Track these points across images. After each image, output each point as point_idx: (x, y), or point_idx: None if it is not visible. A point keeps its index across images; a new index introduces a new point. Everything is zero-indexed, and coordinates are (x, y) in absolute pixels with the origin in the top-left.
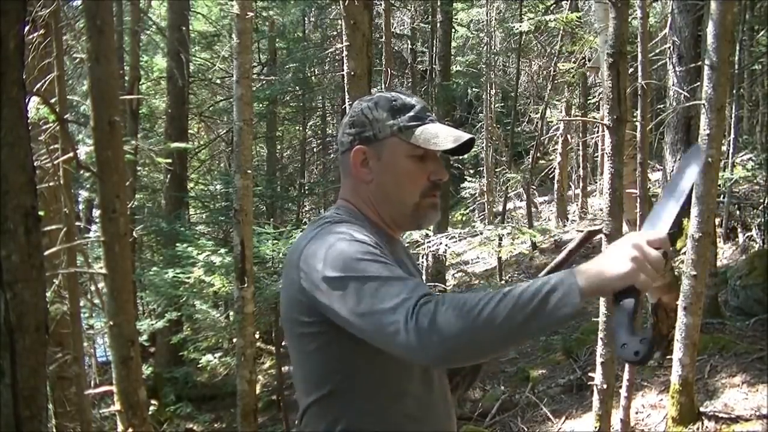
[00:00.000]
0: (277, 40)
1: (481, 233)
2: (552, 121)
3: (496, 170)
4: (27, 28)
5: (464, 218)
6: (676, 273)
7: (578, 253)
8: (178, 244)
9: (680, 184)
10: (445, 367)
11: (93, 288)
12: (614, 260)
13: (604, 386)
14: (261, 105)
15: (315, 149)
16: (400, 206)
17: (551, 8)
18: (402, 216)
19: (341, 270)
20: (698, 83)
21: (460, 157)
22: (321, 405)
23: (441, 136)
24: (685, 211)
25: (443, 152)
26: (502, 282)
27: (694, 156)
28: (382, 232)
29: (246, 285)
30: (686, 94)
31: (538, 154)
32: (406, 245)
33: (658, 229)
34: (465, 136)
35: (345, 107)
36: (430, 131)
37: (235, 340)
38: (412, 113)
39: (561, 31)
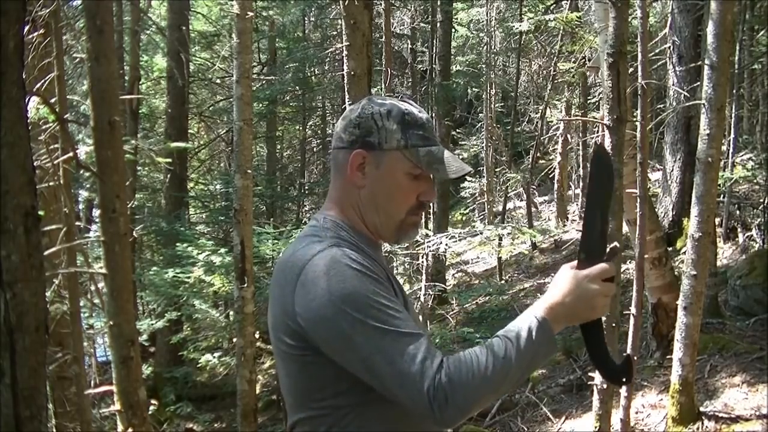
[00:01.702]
0: (277, 40)
1: (481, 233)
2: (552, 121)
3: (496, 170)
4: (27, 28)
5: (464, 218)
6: (676, 273)
7: None
8: (178, 244)
9: (594, 195)
10: (449, 428)
11: (93, 288)
12: (581, 303)
13: (604, 386)
14: (261, 105)
15: (315, 149)
16: (386, 219)
17: (551, 8)
18: (386, 228)
19: (352, 313)
20: (698, 83)
21: (461, 157)
22: (308, 422)
23: (444, 164)
24: (606, 221)
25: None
26: (503, 282)
27: (600, 164)
28: (368, 239)
29: (246, 285)
30: (686, 93)
31: (538, 154)
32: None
33: (597, 256)
34: (466, 168)
35: (345, 107)
36: (435, 155)
37: (235, 340)
38: (421, 132)
39: (561, 31)
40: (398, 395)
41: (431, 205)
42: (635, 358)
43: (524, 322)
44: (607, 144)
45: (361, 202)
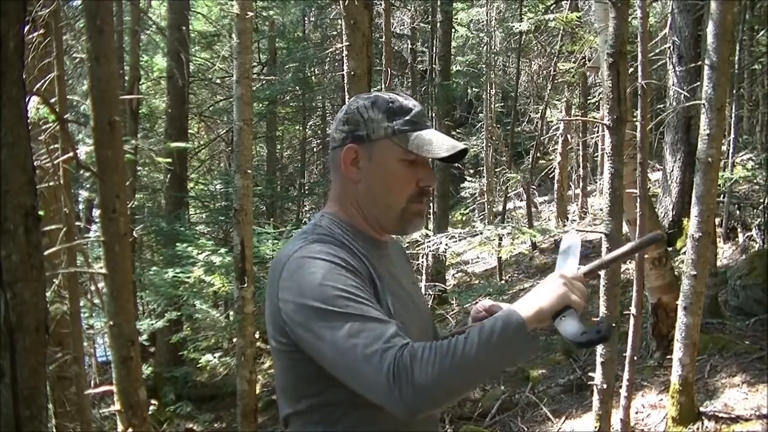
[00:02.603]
0: (277, 40)
1: (481, 233)
2: (552, 121)
3: (496, 170)
4: (27, 28)
5: (464, 218)
6: (676, 273)
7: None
8: (178, 244)
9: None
10: (419, 416)
11: (93, 288)
12: (546, 291)
13: (604, 386)
14: (261, 105)
15: (315, 149)
16: (387, 210)
17: (551, 8)
18: (388, 220)
19: (323, 300)
20: (698, 83)
21: None
22: (299, 418)
23: (435, 143)
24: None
25: (442, 160)
26: (503, 282)
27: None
28: (368, 238)
29: (246, 285)
30: (686, 94)
31: (538, 154)
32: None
33: (570, 268)
34: (459, 145)
35: None
36: (424, 137)
37: (235, 340)
38: (408, 117)
39: (561, 31)
40: (360, 380)
41: (431, 205)
42: (635, 358)
43: (493, 318)
44: (607, 144)
45: (360, 197)
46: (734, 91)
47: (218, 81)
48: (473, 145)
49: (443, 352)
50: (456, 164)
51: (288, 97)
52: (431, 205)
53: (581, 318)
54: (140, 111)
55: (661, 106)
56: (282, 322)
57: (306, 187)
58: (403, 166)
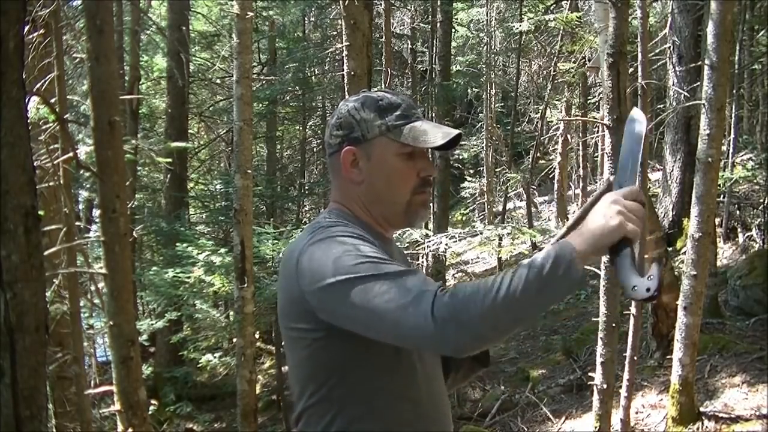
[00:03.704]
0: (277, 40)
1: (481, 233)
2: (552, 121)
3: (496, 170)
4: (27, 28)
5: (464, 218)
6: (676, 273)
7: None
8: (178, 244)
9: (631, 139)
10: (467, 354)
11: (93, 288)
12: (601, 220)
13: (604, 386)
14: (261, 105)
15: (315, 149)
16: (392, 205)
17: (551, 8)
18: (394, 215)
19: (348, 271)
20: (698, 83)
21: (460, 157)
22: (316, 408)
23: (429, 133)
24: (640, 161)
25: (433, 149)
26: None
27: (633, 121)
28: (376, 233)
29: (246, 285)
30: (686, 94)
31: (538, 154)
32: (405, 245)
33: (628, 184)
34: (452, 132)
35: None
36: (418, 128)
37: (235, 340)
38: (399, 112)
39: (561, 31)
40: (403, 330)
41: (431, 205)
42: (635, 358)
43: (543, 251)
44: (607, 144)
45: (364, 197)
46: (734, 91)
47: (218, 81)
48: (473, 145)
49: (487, 288)
50: (456, 164)
51: (288, 97)
52: (431, 205)
53: (635, 260)
54: (140, 111)
55: (661, 106)
56: (306, 305)
57: (306, 187)
58: (402, 159)
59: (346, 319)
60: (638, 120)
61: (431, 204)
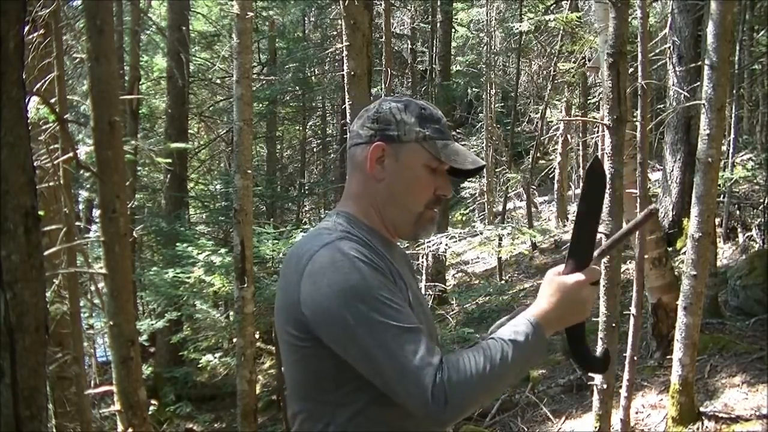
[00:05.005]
0: (277, 40)
1: (481, 233)
2: (552, 121)
3: (496, 170)
4: (27, 28)
5: (464, 218)
6: (676, 273)
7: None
8: (178, 244)
9: (587, 204)
10: (444, 428)
11: (93, 288)
12: (572, 309)
13: (604, 386)
14: (261, 105)
15: (315, 149)
16: (404, 212)
17: (551, 8)
18: (404, 223)
19: (356, 304)
20: (698, 83)
21: None
22: (310, 412)
23: (461, 155)
24: (596, 229)
25: (453, 175)
26: (503, 282)
27: (594, 176)
28: (382, 237)
29: (246, 285)
30: (686, 94)
31: (538, 154)
32: (406, 245)
33: (585, 261)
34: (480, 161)
35: (345, 107)
36: (452, 148)
37: (235, 340)
38: (438, 126)
39: (561, 31)
40: (398, 391)
41: None
42: (635, 358)
43: (519, 326)
44: (607, 144)
45: (380, 196)
46: (734, 91)
47: (218, 81)
48: (473, 145)
49: (479, 373)
50: None
51: (288, 97)
52: None
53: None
54: (140, 111)
55: (661, 106)
56: (301, 316)
57: (306, 187)
58: (427, 171)
59: (341, 349)
60: (599, 170)
61: None
